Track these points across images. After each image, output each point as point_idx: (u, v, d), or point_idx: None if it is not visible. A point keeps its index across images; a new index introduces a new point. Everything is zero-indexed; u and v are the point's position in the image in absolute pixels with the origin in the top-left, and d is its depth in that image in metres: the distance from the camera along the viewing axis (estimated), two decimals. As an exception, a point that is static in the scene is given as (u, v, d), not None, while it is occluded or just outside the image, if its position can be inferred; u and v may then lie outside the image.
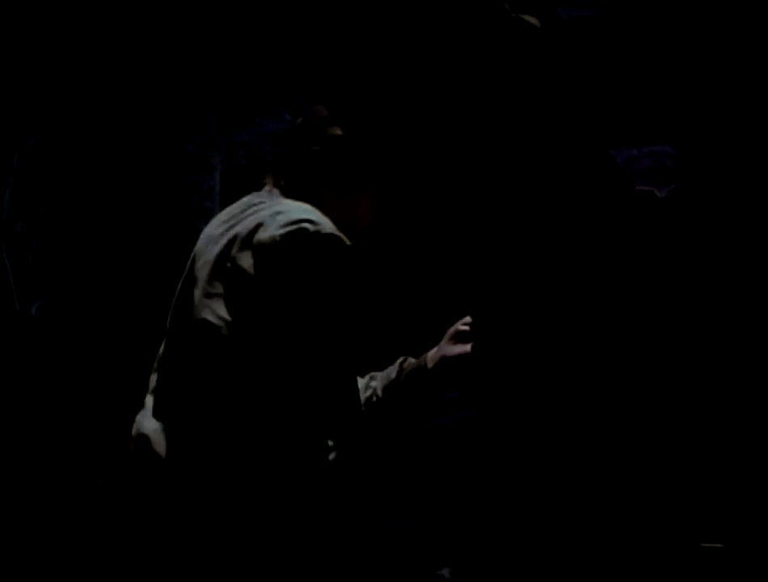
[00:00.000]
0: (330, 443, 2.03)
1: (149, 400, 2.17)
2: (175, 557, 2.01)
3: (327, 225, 2.07)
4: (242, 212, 2.16)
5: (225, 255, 2.08)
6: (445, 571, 3.17)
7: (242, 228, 2.10)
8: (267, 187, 2.24)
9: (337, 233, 2.07)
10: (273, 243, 2.04)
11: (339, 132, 2.21)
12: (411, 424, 2.36)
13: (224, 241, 2.10)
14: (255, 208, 2.15)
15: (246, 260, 2.05)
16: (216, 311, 2.05)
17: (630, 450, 2.68)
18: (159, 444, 2.06)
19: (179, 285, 2.20)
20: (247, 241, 2.07)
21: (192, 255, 2.21)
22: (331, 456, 2.04)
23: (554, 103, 2.31)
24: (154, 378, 2.20)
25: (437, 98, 2.25)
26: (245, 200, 2.21)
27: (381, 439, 2.28)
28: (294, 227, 2.04)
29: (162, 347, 2.24)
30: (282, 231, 2.04)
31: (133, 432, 2.14)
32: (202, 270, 2.12)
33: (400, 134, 2.37)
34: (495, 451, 3.12)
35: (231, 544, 1.98)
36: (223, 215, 2.21)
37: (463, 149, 2.26)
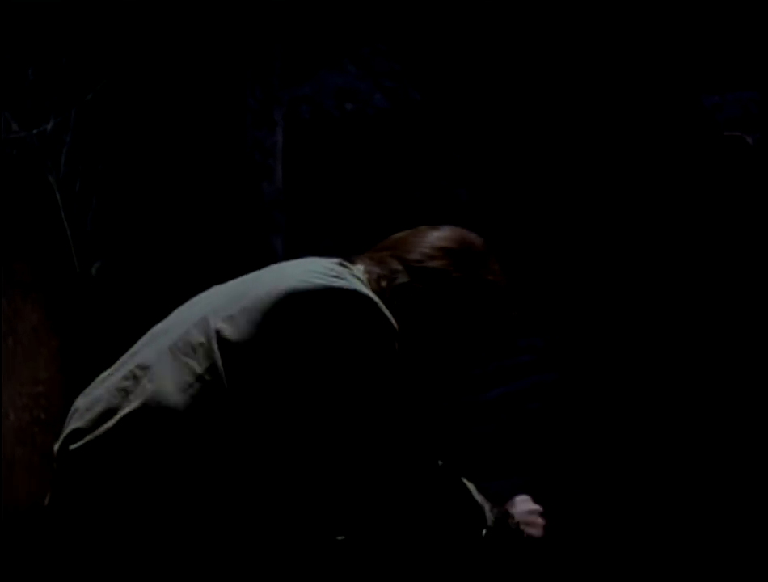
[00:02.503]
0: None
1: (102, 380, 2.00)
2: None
3: (358, 286, 1.89)
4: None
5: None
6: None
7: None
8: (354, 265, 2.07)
9: (370, 295, 1.88)
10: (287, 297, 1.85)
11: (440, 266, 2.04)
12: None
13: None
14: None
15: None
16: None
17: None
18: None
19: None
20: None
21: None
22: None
23: (644, 47, 2.19)
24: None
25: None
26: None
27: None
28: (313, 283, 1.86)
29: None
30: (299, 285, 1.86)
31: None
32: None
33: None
34: (570, 418, 3.04)
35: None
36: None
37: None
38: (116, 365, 1.97)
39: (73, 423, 1.88)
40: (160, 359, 1.89)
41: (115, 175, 3.60)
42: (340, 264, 1.98)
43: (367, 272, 2.01)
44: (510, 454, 3.22)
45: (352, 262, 2.02)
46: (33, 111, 3.48)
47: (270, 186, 3.74)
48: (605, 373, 2.98)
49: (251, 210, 3.71)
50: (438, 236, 2.07)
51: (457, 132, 3.40)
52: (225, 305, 1.90)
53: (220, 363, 1.82)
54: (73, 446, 1.83)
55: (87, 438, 1.83)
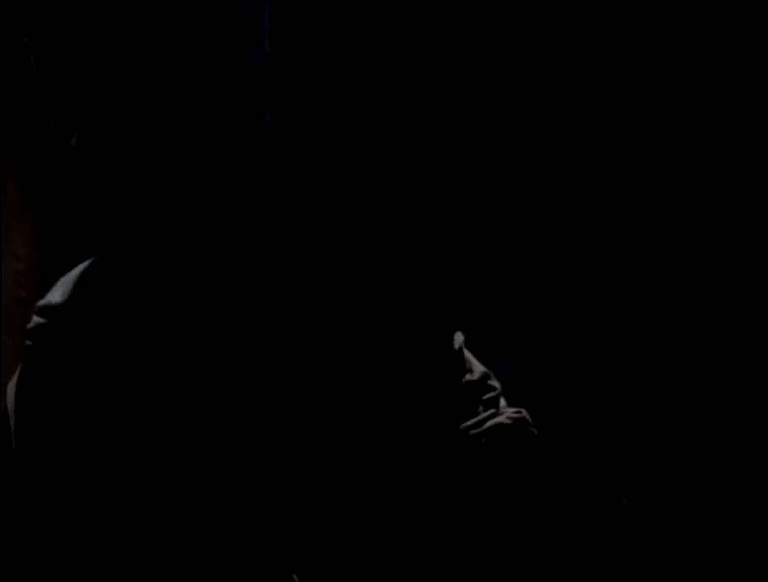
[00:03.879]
0: None
1: None
2: None
3: None
4: None
5: None
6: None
7: None
8: None
9: None
10: None
11: None
12: None
13: None
14: None
15: None
16: None
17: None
18: None
19: None
20: None
21: None
22: None
23: None
24: None
25: None
26: None
27: None
28: None
29: None
30: None
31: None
32: None
33: None
34: (571, 303, 2.96)
35: None
36: None
37: None
38: None
39: (46, 297, 1.78)
40: None
41: (91, 39, 3.46)
42: None
43: None
44: (509, 339, 3.17)
45: None
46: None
47: (258, 55, 3.61)
48: (610, 258, 2.90)
49: (238, 80, 3.57)
50: None
51: (457, 8, 3.27)
52: None
53: None
54: (34, 322, 1.73)
55: (41, 320, 1.72)
